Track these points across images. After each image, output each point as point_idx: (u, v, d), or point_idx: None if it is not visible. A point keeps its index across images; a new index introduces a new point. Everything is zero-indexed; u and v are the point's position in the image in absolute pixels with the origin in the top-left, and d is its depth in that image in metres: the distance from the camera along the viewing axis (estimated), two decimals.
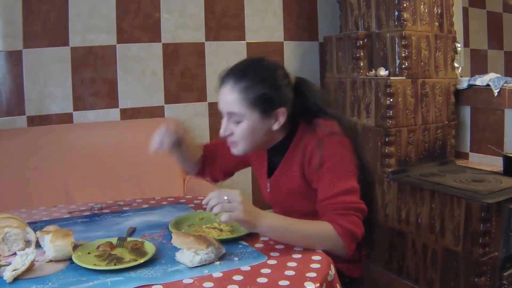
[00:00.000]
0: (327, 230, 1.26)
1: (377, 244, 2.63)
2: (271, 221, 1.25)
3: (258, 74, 1.36)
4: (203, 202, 1.24)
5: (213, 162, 1.70)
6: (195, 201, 1.77)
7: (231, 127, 1.38)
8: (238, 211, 1.19)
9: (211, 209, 1.21)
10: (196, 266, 1.15)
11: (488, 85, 2.66)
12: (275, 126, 1.39)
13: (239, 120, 1.36)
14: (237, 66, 1.40)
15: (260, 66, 1.40)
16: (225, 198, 1.20)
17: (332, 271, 1.18)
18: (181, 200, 1.79)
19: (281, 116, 1.38)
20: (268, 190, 1.54)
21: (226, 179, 1.78)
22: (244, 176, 3.05)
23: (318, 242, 1.27)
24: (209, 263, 1.16)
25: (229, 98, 1.35)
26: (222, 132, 1.39)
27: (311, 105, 1.44)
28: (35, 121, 2.62)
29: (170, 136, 1.50)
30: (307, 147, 1.39)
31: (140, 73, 2.85)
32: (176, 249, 1.20)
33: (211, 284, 1.06)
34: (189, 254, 1.15)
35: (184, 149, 1.58)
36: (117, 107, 2.82)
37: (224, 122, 1.39)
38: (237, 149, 1.42)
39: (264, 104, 1.35)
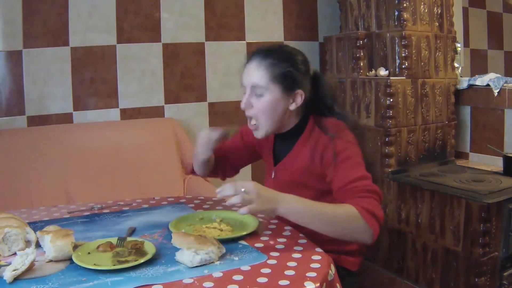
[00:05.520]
0: (350, 211, 1.27)
1: (377, 244, 2.64)
2: (290, 205, 1.26)
3: (283, 54, 1.49)
4: (217, 190, 1.25)
5: (225, 161, 1.76)
6: (195, 201, 1.77)
7: (252, 101, 1.47)
8: (256, 203, 1.21)
9: (224, 197, 1.23)
10: (196, 266, 1.15)
11: (488, 85, 2.66)
12: (292, 106, 1.49)
13: (261, 93, 1.45)
14: (264, 47, 1.53)
15: (285, 48, 1.53)
16: (242, 190, 1.21)
17: (332, 270, 1.18)
18: (181, 200, 1.79)
19: (299, 97, 1.49)
20: (273, 177, 1.61)
21: (236, 174, 1.86)
22: (243, 174, 3.05)
23: (341, 224, 1.28)
24: (209, 263, 1.16)
25: (256, 72, 1.46)
26: (244, 104, 1.48)
27: (324, 97, 1.55)
28: (35, 121, 2.62)
29: (212, 143, 1.58)
30: (319, 143, 1.48)
31: (140, 73, 2.85)
32: (176, 249, 1.20)
33: (211, 284, 1.06)
34: (189, 254, 1.15)
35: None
36: (117, 107, 2.82)
37: (246, 95, 1.48)
38: (259, 131, 1.51)
39: (286, 81, 1.46)
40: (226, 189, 1.22)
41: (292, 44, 3.24)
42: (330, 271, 1.16)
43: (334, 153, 1.42)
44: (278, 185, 1.55)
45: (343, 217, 1.27)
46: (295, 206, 1.27)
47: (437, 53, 2.70)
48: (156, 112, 2.91)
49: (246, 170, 3.09)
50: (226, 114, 3.05)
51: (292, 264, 1.17)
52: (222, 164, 1.77)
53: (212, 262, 1.17)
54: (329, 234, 1.29)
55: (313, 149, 1.49)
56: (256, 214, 1.26)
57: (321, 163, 1.46)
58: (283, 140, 1.59)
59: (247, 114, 1.51)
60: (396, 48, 2.61)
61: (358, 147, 1.48)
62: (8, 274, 1.06)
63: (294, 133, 1.54)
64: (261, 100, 1.46)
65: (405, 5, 2.56)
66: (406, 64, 2.57)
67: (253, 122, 1.51)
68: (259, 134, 1.53)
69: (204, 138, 1.58)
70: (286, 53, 1.51)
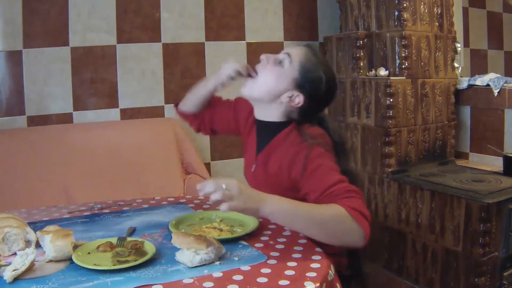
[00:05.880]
0: (339, 211, 1.20)
1: (377, 244, 2.63)
2: (275, 205, 1.20)
3: (325, 69, 1.50)
4: (197, 187, 1.18)
5: (208, 111, 1.78)
6: (195, 201, 1.77)
7: (272, 61, 1.49)
8: (237, 200, 1.15)
9: (205, 194, 1.17)
10: (196, 266, 1.15)
11: (488, 85, 2.66)
12: (285, 99, 1.48)
13: (283, 62, 1.47)
14: (318, 53, 1.55)
15: (330, 70, 1.54)
16: (223, 186, 1.15)
17: (332, 271, 1.18)
18: (181, 200, 1.79)
19: (297, 99, 1.48)
20: (253, 170, 1.58)
21: (209, 135, 1.89)
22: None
23: (331, 226, 1.20)
24: (209, 263, 1.16)
25: (300, 51, 1.49)
26: (267, 55, 1.50)
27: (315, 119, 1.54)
28: (35, 121, 2.62)
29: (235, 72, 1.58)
30: (289, 150, 1.44)
31: (140, 73, 2.85)
32: (176, 249, 1.20)
33: (211, 284, 1.06)
34: (189, 254, 1.15)
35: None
36: (117, 107, 2.82)
37: (275, 54, 1.50)
38: (249, 85, 1.51)
39: (305, 80, 1.47)
40: (206, 186, 1.16)
41: (292, 44, 3.28)
42: (330, 271, 1.16)
43: (303, 164, 1.36)
44: (257, 180, 1.56)
45: (331, 218, 1.20)
46: (280, 207, 1.20)
47: (437, 53, 2.71)
48: (156, 112, 2.91)
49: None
50: None
51: (292, 264, 1.17)
52: (205, 112, 1.79)
53: (212, 262, 1.17)
54: (318, 238, 1.24)
55: (282, 155, 1.44)
56: (239, 211, 1.18)
57: (288, 175, 1.41)
58: (263, 130, 1.57)
59: (256, 66, 1.52)
60: (396, 48, 2.61)
61: (331, 153, 1.42)
62: (8, 274, 1.06)
63: (273, 128, 1.52)
64: (276, 67, 1.48)
65: (405, 5, 2.56)
66: (406, 64, 2.58)
67: (260, 67, 1.51)
68: (246, 88, 1.53)
69: (232, 69, 1.57)
70: (327, 72, 1.51)
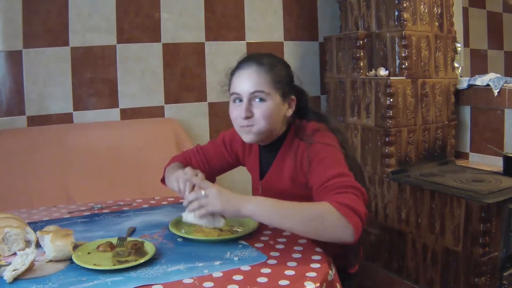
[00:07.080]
0: (325, 207, 1.19)
1: (377, 244, 2.64)
2: (257, 205, 1.23)
3: (276, 60, 1.46)
4: (184, 203, 1.31)
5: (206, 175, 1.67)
6: None
7: (252, 109, 1.40)
8: (213, 204, 1.24)
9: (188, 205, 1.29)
10: (196, 266, 1.15)
11: (488, 85, 2.66)
12: (289, 112, 1.46)
13: (264, 98, 1.39)
14: (254, 53, 1.50)
15: (275, 55, 1.50)
16: (203, 193, 1.26)
17: (332, 270, 1.18)
18: (181, 200, 1.79)
19: (293, 103, 1.47)
20: (260, 193, 1.56)
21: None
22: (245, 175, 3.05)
23: (316, 222, 1.19)
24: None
25: (256, 78, 1.39)
26: (244, 113, 1.39)
27: (305, 104, 1.53)
28: (35, 121, 2.62)
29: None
30: (299, 149, 1.43)
31: (140, 73, 2.85)
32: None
33: (211, 284, 1.06)
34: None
35: None
36: (117, 107, 2.82)
37: (244, 104, 1.40)
38: (251, 135, 1.42)
39: (284, 87, 1.43)
40: (189, 196, 1.29)
41: (292, 44, 3.28)
42: (330, 271, 1.16)
43: (308, 159, 1.36)
44: (269, 185, 1.55)
45: (316, 214, 1.19)
46: (262, 205, 1.23)
47: (437, 53, 2.70)
48: (156, 112, 2.91)
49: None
50: (226, 114, 3.03)
51: (292, 264, 1.17)
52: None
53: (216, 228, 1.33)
54: (304, 235, 1.24)
55: (295, 156, 1.44)
56: (218, 212, 1.25)
57: (302, 170, 1.42)
58: (268, 151, 1.52)
59: (245, 124, 1.41)
60: (396, 48, 2.61)
61: (336, 144, 1.41)
62: (8, 274, 1.06)
63: (278, 142, 1.49)
64: (264, 106, 1.39)
65: (405, 5, 2.56)
66: (406, 64, 2.57)
67: (249, 122, 1.41)
68: (249, 137, 1.44)
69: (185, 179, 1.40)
70: (278, 59, 1.48)
